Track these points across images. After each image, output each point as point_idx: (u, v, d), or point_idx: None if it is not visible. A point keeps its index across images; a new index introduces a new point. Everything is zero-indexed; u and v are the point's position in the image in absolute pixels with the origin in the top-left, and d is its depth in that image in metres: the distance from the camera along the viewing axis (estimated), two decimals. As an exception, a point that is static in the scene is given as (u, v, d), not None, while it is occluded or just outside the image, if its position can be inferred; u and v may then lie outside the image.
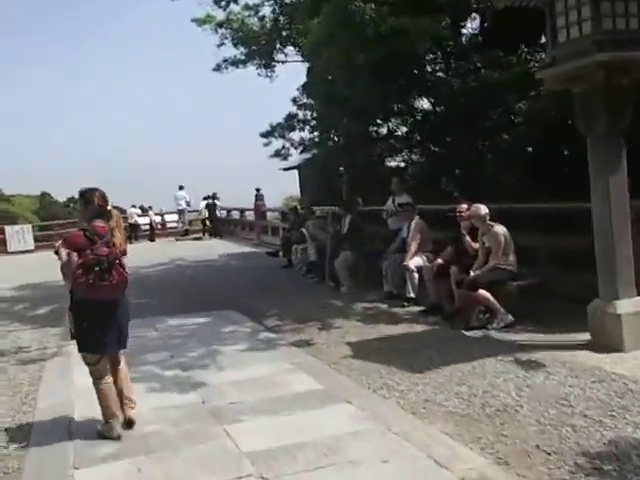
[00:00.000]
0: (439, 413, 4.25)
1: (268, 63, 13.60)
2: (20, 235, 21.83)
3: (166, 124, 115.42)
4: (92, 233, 4.16)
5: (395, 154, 13.19)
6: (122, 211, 24.57)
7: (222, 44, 14.40)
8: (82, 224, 4.31)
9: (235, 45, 13.15)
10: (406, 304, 8.04)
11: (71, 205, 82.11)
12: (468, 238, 7.16)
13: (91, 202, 4.26)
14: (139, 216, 23.18)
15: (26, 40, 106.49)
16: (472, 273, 6.74)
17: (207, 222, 22.57)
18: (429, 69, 9.45)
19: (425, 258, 8.25)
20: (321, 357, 5.93)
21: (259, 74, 14.12)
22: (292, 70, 15.46)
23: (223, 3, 13.60)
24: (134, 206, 23.46)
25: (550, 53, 5.47)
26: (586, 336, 5.75)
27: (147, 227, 23.23)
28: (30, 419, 4.71)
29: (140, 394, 4.84)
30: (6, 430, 4.50)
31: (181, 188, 23.08)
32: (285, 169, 19.47)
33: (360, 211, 10.45)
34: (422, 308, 7.72)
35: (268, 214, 19.42)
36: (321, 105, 12.11)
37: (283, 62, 13.78)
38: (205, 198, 22.69)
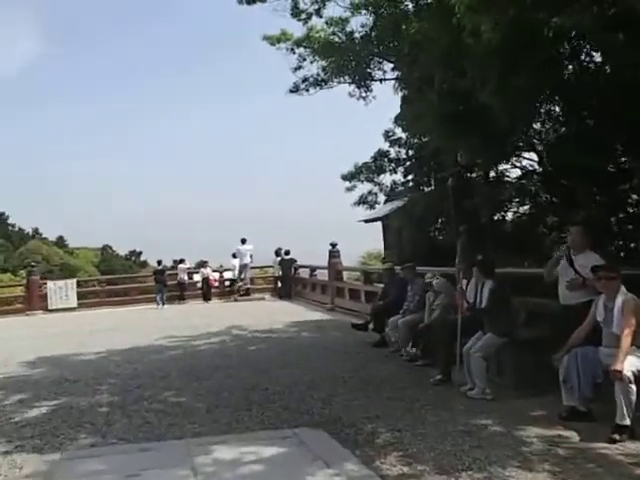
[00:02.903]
0: None
1: (362, 81, 10.83)
2: (63, 291, 19.57)
3: (220, 173, 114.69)
4: None
5: (527, 199, 10.00)
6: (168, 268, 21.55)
7: (299, 67, 11.89)
8: None
9: (325, 59, 10.48)
10: (617, 437, 4.70)
11: (132, 259, 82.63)
12: None
13: None
14: (190, 273, 20.52)
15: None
16: None
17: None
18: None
19: (643, 357, 4.94)
20: None
21: (351, 94, 11.39)
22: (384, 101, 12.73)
23: (303, 16, 11.08)
24: (182, 261, 20.85)
25: None
26: None
27: (200, 285, 20.51)
28: None
29: None
30: None
31: (244, 242, 20.45)
32: (366, 221, 16.55)
33: (502, 276, 7.17)
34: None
35: (345, 274, 16.37)
36: (435, 132, 9.13)
37: (381, 80, 10.96)
38: (277, 254, 19.98)
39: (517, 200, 11.25)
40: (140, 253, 78.94)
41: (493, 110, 6.56)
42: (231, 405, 6.37)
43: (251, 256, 20.37)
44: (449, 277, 8.66)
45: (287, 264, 19.53)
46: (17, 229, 77.17)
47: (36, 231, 77.81)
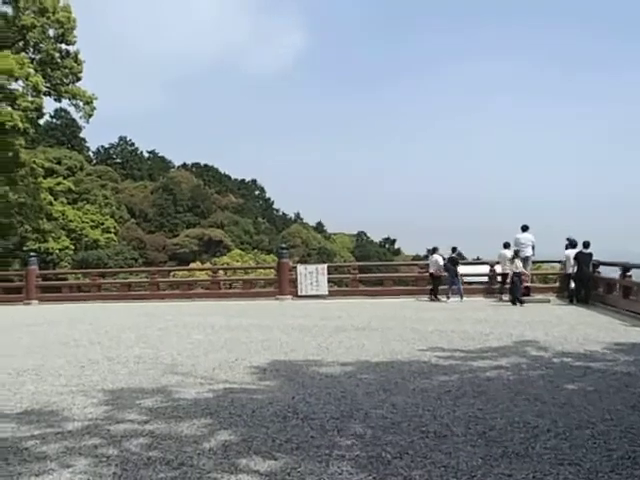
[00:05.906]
0: None
1: None
2: (313, 276, 17.69)
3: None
4: None
5: None
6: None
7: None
8: None
9: None
10: None
11: (386, 246, 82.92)
12: None
13: None
14: (454, 264, 16.77)
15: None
16: None
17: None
18: None
19: None
20: None
21: None
22: None
23: None
24: (435, 250, 17.29)
25: None
26: None
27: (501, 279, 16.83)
28: None
29: None
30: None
31: (525, 229, 16.29)
32: None
33: None
34: None
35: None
36: None
37: None
38: (570, 245, 15.53)
39: None
40: (394, 241, 78.64)
41: None
42: None
43: (533, 247, 16.15)
44: None
45: (586, 259, 14.75)
46: (281, 214, 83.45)
47: (297, 216, 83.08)
